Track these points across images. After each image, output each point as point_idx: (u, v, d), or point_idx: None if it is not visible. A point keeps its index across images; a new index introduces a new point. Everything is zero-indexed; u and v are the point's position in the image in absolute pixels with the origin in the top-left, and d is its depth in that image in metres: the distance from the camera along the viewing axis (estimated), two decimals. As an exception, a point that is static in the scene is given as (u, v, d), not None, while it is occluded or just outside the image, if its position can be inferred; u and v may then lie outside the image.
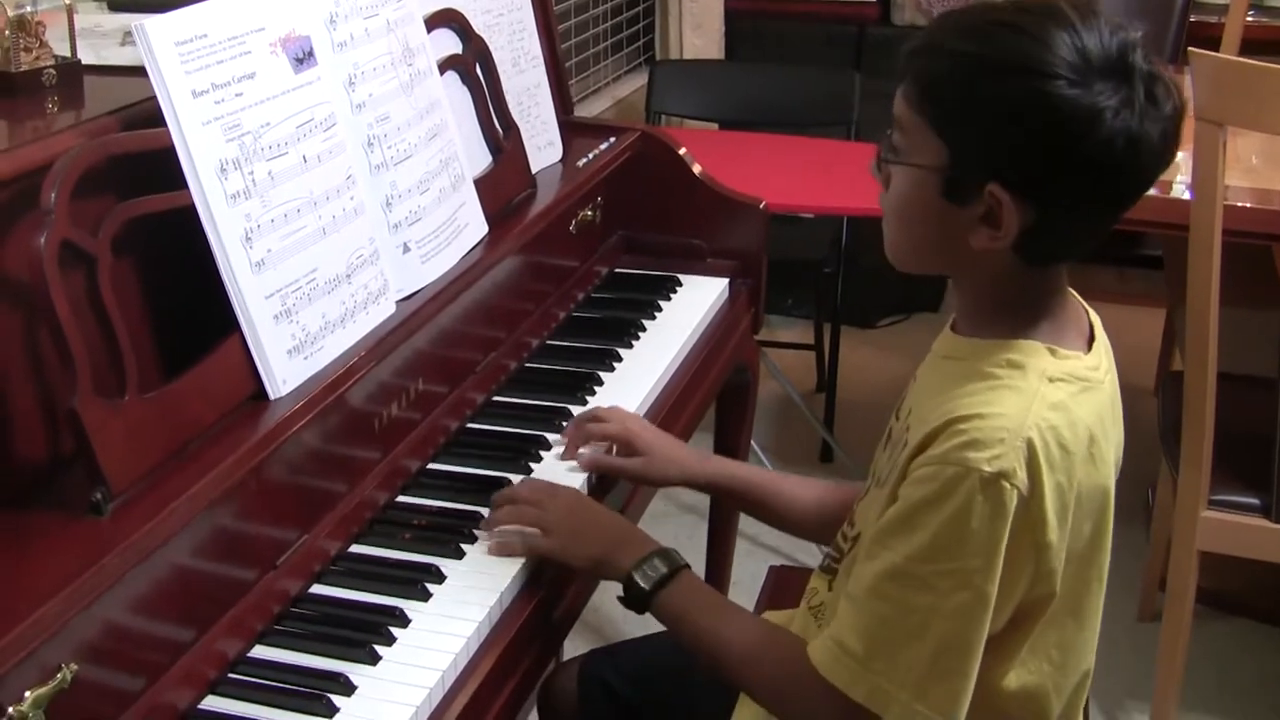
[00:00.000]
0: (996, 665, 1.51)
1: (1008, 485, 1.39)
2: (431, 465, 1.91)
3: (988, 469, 1.39)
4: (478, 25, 2.20)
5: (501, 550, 1.72)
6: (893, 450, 1.55)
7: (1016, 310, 1.50)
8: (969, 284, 1.54)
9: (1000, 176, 1.40)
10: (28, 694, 1.22)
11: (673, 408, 2.20)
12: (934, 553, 1.41)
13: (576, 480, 1.92)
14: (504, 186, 2.19)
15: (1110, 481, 1.51)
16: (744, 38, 5.00)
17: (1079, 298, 1.58)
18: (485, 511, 1.79)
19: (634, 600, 1.67)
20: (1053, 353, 1.47)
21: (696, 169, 2.56)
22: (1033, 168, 1.39)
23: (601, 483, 1.96)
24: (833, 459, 3.93)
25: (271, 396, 1.59)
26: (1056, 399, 1.44)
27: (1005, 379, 1.45)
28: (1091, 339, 1.55)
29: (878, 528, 1.48)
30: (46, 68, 1.70)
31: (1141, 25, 4.15)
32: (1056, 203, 1.41)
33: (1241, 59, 2.50)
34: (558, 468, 1.94)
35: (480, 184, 2.09)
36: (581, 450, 1.96)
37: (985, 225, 1.43)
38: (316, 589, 1.65)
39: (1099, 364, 1.52)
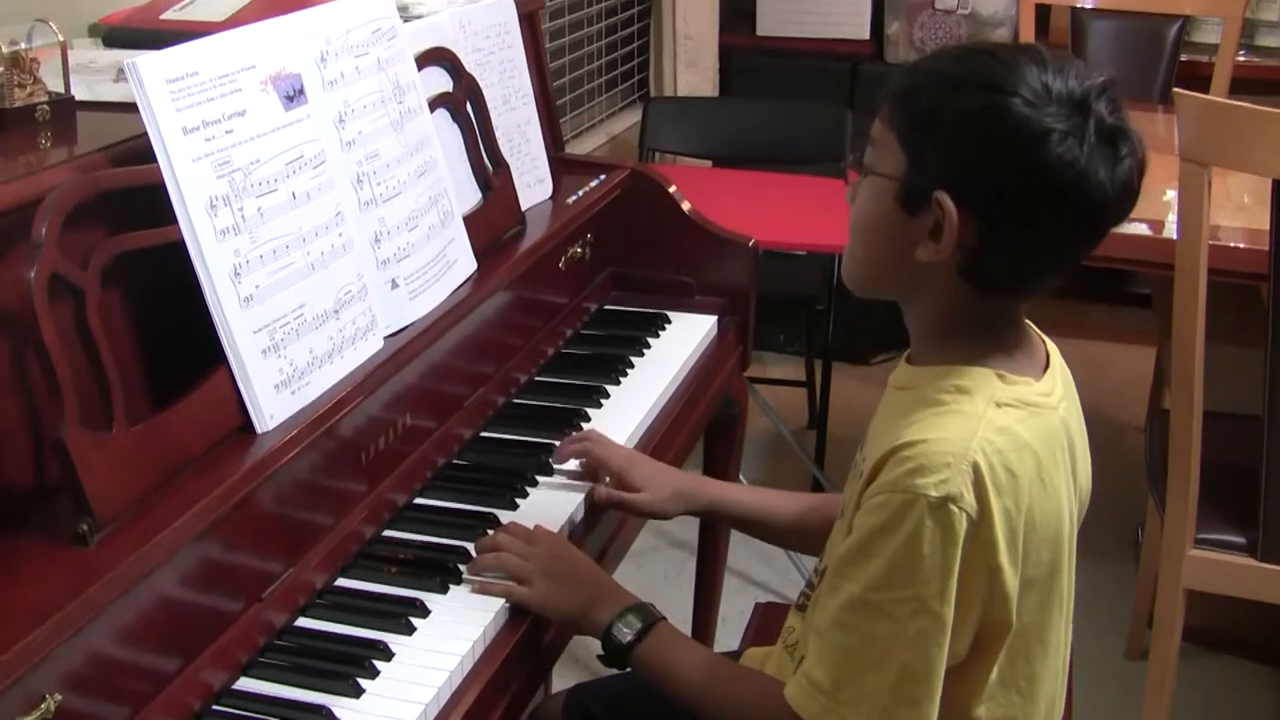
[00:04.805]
0: (966, 698, 1.53)
1: (956, 509, 1.41)
2: (418, 500, 1.91)
3: (935, 494, 1.41)
4: (469, 63, 2.22)
5: (483, 592, 1.74)
6: (854, 483, 1.56)
7: (966, 338, 1.52)
8: (918, 309, 1.56)
9: (949, 185, 1.43)
10: (12, 723, 1.23)
11: (660, 443, 2.22)
12: (889, 580, 1.43)
13: (565, 513, 1.93)
14: (493, 223, 2.21)
15: (1064, 507, 1.53)
16: (737, 74, 5.04)
17: (1038, 331, 1.61)
18: (471, 547, 1.80)
19: (612, 656, 1.70)
20: (1001, 378, 1.50)
21: (686, 206, 2.58)
22: (979, 179, 1.43)
23: (589, 517, 1.98)
24: (823, 495, 3.94)
25: (258, 430, 1.60)
26: (1003, 423, 1.46)
27: (952, 404, 1.48)
28: (1046, 368, 1.57)
29: (837, 559, 1.50)
30: (40, 103, 1.71)
31: (1131, 65, 4.15)
32: (1000, 223, 1.44)
33: (1225, 100, 2.52)
34: (545, 503, 1.95)
35: (469, 221, 2.10)
36: (597, 488, 1.98)
37: (931, 239, 1.46)
38: (302, 621, 1.66)
39: (1051, 390, 1.54)
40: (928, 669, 1.44)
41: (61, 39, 1.75)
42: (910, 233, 1.48)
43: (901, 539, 1.42)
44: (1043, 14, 4.56)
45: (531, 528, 1.83)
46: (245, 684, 1.55)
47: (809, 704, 1.49)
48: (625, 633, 1.69)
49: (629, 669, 1.71)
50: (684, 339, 2.49)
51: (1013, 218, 1.44)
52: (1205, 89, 4.01)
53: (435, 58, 2.14)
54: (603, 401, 2.24)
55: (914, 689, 1.45)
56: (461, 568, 1.76)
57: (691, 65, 4.85)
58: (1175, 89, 2.50)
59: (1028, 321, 1.58)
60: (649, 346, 2.45)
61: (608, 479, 2.00)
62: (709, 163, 4.41)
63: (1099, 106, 1.42)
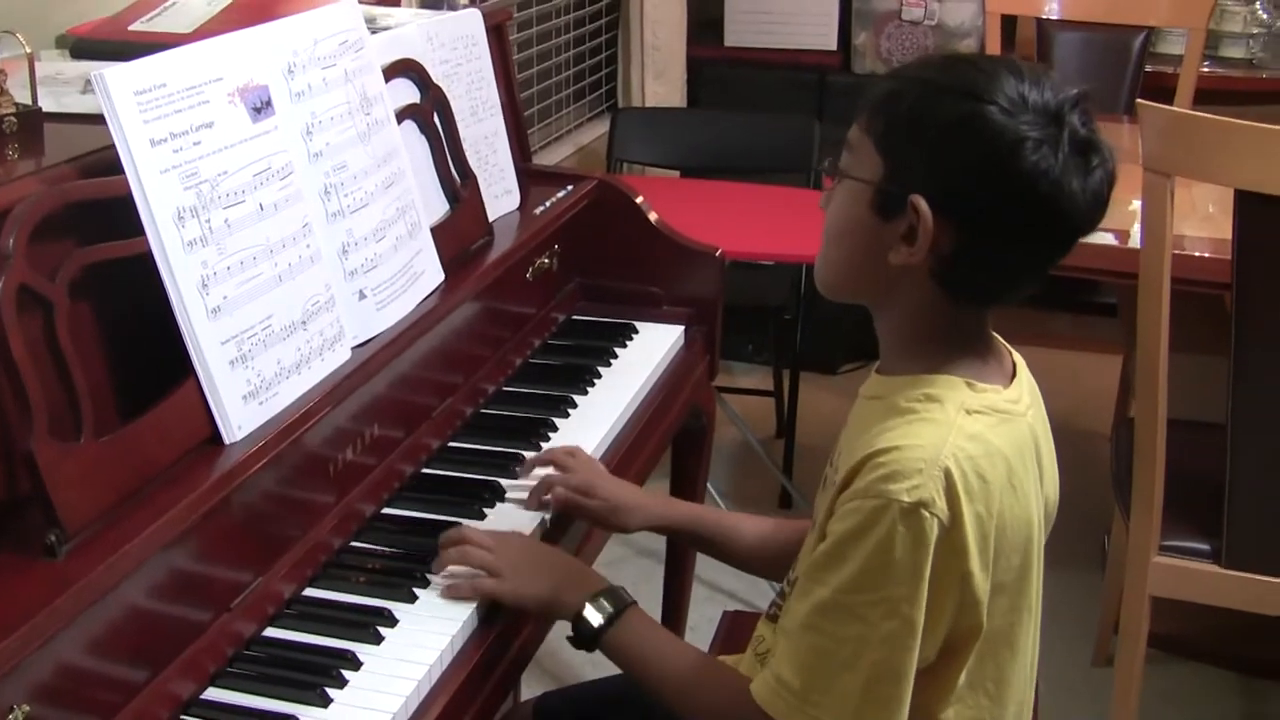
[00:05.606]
0: (934, 700, 1.54)
1: (927, 514, 1.42)
2: (386, 510, 1.92)
3: (907, 499, 1.42)
4: (436, 75, 2.23)
5: (451, 594, 1.74)
6: (825, 494, 1.58)
7: (935, 346, 1.54)
8: (890, 315, 1.58)
9: (924, 190, 1.45)
10: (-21, 734, 1.23)
11: (627, 453, 2.22)
12: (861, 583, 1.45)
13: (532, 524, 1.93)
14: (461, 234, 2.21)
15: (1034, 513, 1.54)
16: (706, 85, 5.04)
17: (1004, 342, 1.63)
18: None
19: (583, 639, 1.70)
20: (971, 386, 1.52)
21: (653, 217, 2.59)
22: (954, 184, 1.45)
23: (555, 528, 1.98)
24: (791, 505, 3.95)
25: (226, 441, 1.61)
26: (974, 430, 1.48)
27: (923, 412, 1.50)
28: (1014, 377, 1.59)
29: (809, 564, 1.52)
30: (7, 115, 1.71)
31: (1097, 77, 4.16)
32: (974, 229, 1.46)
33: (1188, 111, 2.54)
34: (512, 513, 1.96)
35: (437, 232, 2.11)
36: (556, 487, 1.98)
37: (905, 243, 1.48)
38: (270, 631, 1.66)
39: (1019, 398, 1.56)
40: (898, 672, 1.46)
41: (28, 51, 1.75)
42: (884, 237, 1.49)
43: (873, 543, 1.43)
44: (1009, 25, 4.59)
45: None
46: (214, 694, 1.55)
47: (776, 702, 1.51)
48: (596, 616, 1.69)
49: (597, 652, 1.71)
50: (651, 349, 2.50)
51: (986, 223, 1.46)
52: (1170, 100, 4.03)
53: (403, 69, 2.14)
54: (570, 412, 2.25)
55: (884, 691, 1.46)
56: (430, 576, 1.76)
57: (659, 76, 4.86)
58: (1139, 100, 2.52)
59: (995, 335, 1.60)
60: (616, 356, 2.46)
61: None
62: (677, 173, 4.42)
63: (1072, 118, 1.45)
